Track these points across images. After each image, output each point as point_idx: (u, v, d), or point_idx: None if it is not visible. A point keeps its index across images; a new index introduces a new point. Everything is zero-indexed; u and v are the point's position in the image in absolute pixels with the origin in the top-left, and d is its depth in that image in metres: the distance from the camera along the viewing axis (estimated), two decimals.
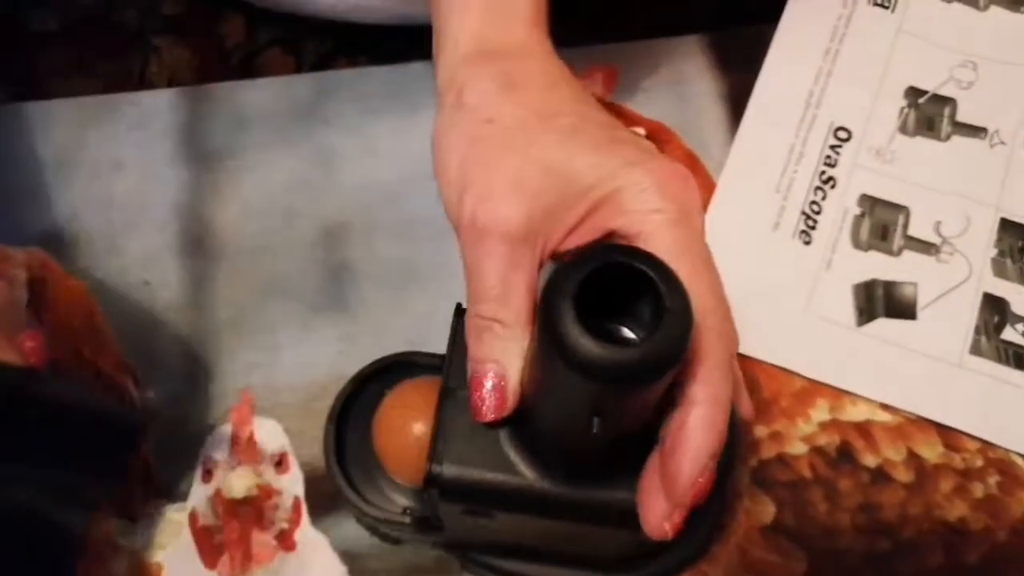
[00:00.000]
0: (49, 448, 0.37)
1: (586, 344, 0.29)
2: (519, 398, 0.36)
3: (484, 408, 0.36)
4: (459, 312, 0.42)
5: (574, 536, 0.42)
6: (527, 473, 0.38)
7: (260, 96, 0.61)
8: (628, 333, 0.33)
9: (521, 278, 0.36)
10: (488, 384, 0.36)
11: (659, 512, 0.35)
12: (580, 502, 0.38)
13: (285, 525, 0.50)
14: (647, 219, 0.35)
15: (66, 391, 0.40)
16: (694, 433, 0.34)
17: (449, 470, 0.38)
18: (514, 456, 0.38)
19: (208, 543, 0.50)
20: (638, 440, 0.36)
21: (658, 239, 0.35)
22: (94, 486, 0.44)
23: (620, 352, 0.29)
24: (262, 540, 0.50)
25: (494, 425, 0.37)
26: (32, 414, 0.37)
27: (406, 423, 0.44)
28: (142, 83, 0.61)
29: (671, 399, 0.34)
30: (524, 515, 0.39)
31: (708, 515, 0.47)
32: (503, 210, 0.36)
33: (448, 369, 0.40)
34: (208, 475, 0.51)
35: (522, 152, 0.37)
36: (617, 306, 0.32)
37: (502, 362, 0.36)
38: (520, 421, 0.37)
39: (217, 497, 0.50)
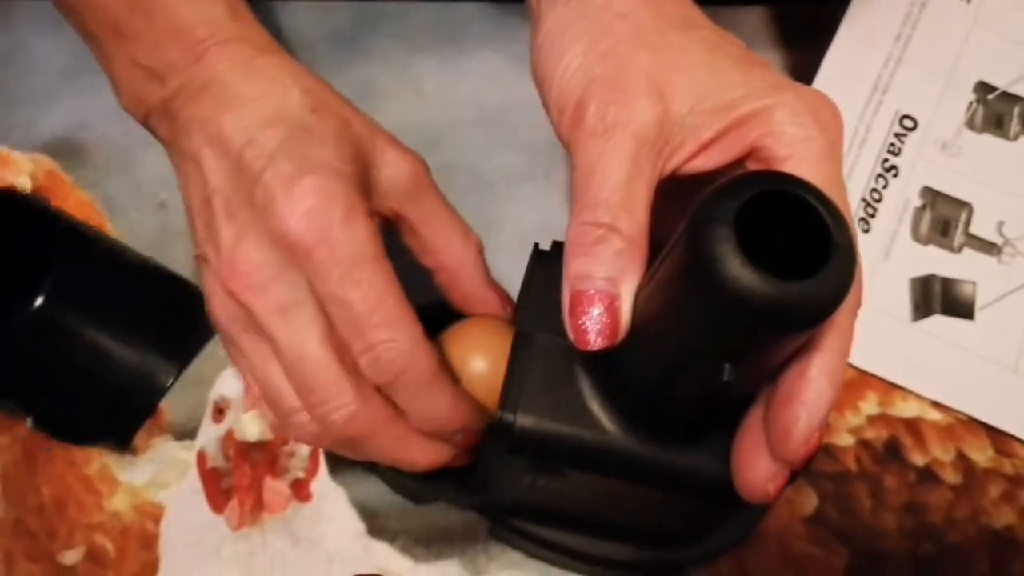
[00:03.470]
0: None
1: (748, 277, 0.26)
2: (629, 330, 0.31)
3: (590, 333, 0.31)
4: (537, 253, 0.39)
5: (639, 502, 0.39)
6: (611, 429, 0.35)
7: (296, 20, 0.57)
8: None
9: (644, 187, 0.32)
10: (597, 305, 0.31)
11: (763, 472, 0.32)
12: (666, 465, 0.34)
13: (301, 474, 0.46)
14: (798, 145, 0.32)
15: None
16: (816, 382, 0.30)
17: (523, 420, 0.35)
18: (597, 409, 0.35)
19: (216, 486, 0.46)
20: (738, 402, 0.33)
21: (807, 169, 0.31)
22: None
23: (789, 288, 0.26)
24: (275, 488, 0.46)
25: (598, 355, 0.32)
26: None
27: (467, 359, 0.40)
28: None
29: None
30: (597, 475, 0.36)
31: None
32: (638, 107, 0.32)
33: (524, 312, 0.37)
34: (220, 415, 0.47)
35: (660, 53, 0.33)
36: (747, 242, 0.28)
37: (616, 280, 0.31)
38: (610, 368, 0.34)
39: (228, 439, 0.47)
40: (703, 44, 0.34)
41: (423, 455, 0.38)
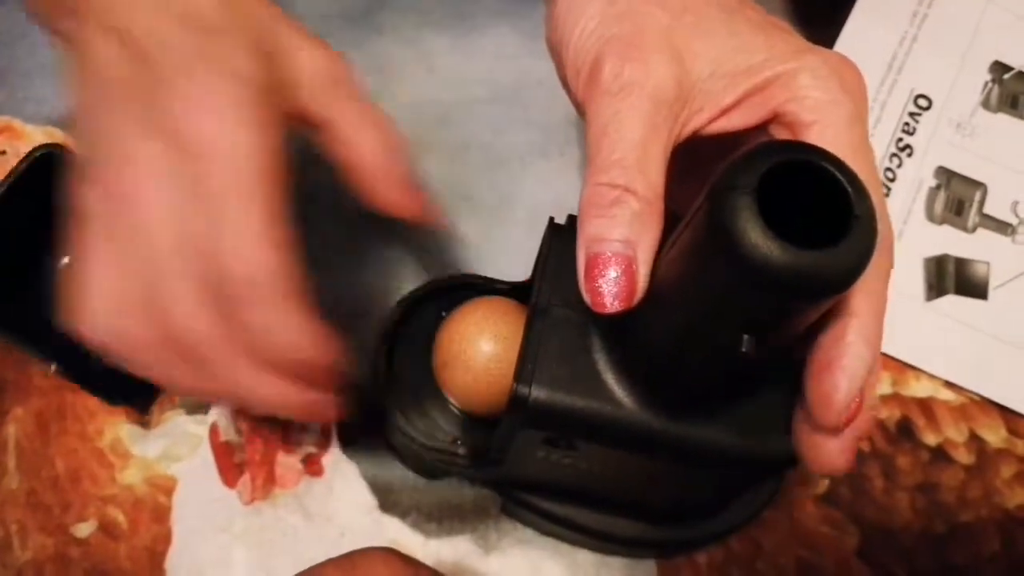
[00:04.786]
0: None
1: (769, 246, 0.25)
2: (646, 293, 0.31)
3: (605, 296, 0.31)
4: (552, 227, 0.39)
5: (652, 479, 0.39)
6: (626, 402, 0.35)
7: None
8: None
9: (660, 149, 0.31)
10: (613, 268, 0.31)
11: (833, 444, 0.31)
12: (681, 438, 0.34)
13: (313, 449, 0.46)
14: (824, 109, 0.31)
15: None
16: (854, 347, 0.30)
17: (539, 393, 0.35)
18: (612, 382, 0.35)
19: (228, 460, 0.46)
20: (753, 374, 0.33)
21: (833, 133, 0.31)
22: None
23: (809, 258, 0.25)
24: (287, 463, 0.46)
25: (614, 318, 0.31)
26: None
27: (473, 341, 0.39)
28: None
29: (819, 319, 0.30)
30: (611, 449, 0.36)
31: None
32: (655, 66, 0.31)
33: (540, 285, 0.37)
34: None
35: (679, 15, 0.33)
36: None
37: (633, 242, 0.31)
38: (626, 339, 0.34)
39: (240, 413, 0.46)
40: (722, 8, 0.34)
41: (269, 387, 0.35)
